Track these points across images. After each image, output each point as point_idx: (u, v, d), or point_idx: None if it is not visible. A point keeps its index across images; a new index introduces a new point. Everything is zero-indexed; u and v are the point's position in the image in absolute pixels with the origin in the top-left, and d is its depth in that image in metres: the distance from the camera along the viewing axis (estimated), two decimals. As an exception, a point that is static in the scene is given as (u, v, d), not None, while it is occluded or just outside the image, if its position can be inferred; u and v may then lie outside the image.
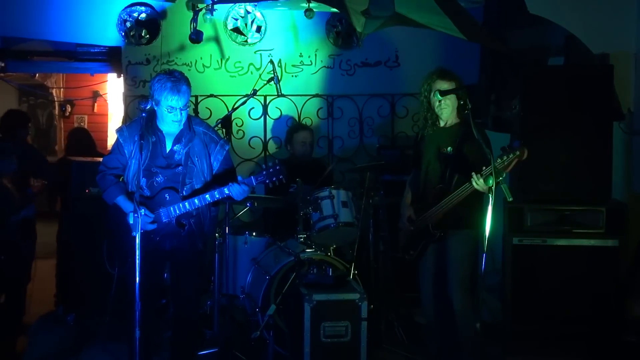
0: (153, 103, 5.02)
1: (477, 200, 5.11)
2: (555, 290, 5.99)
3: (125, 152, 5.12)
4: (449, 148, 5.35)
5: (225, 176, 5.23)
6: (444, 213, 5.29)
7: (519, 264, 6.03)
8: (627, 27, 6.49)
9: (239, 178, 5.05)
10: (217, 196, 5.05)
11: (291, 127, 7.72)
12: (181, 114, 5.02)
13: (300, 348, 5.53)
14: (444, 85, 5.33)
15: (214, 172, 5.22)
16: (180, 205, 5.04)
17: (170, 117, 5.02)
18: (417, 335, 6.45)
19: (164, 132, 5.12)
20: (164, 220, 5.06)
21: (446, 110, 5.37)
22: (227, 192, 5.03)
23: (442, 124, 5.47)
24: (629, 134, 6.47)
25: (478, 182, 4.94)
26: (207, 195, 5.04)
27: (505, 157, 4.86)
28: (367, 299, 5.59)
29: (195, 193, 5.09)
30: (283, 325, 6.10)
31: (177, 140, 5.13)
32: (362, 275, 6.28)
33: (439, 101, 5.33)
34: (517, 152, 4.85)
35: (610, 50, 6.48)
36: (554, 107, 5.99)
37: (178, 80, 4.98)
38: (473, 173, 4.96)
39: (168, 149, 5.12)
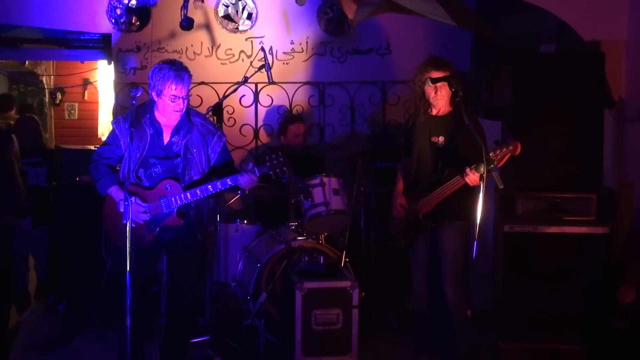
0: (154, 93, 5.00)
1: (469, 190, 5.10)
2: (547, 277, 6.01)
3: (121, 143, 5.10)
4: (441, 137, 5.35)
5: (224, 167, 5.23)
6: (436, 203, 5.29)
7: (510, 251, 6.04)
8: (618, 14, 6.49)
9: (249, 166, 5.07)
10: (230, 183, 5.04)
11: (285, 118, 7.69)
12: (183, 103, 5.01)
13: (292, 336, 5.54)
14: (439, 75, 5.32)
15: (212, 163, 5.22)
16: (182, 195, 5.02)
17: (173, 106, 4.99)
18: (408, 323, 6.46)
19: (161, 123, 5.10)
20: (165, 211, 5.05)
21: (442, 100, 5.37)
22: (238, 179, 5.03)
23: (434, 112, 5.47)
24: (620, 122, 6.47)
25: (470, 177, 4.96)
26: (210, 186, 5.03)
27: (498, 151, 4.88)
28: (358, 286, 5.59)
29: (194, 184, 5.08)
30: (274, 313, 6.11)
31: (176, 131, 5.11)
32: (353, 263, 6.28)
33: (435, 92, 5.34)
34: (510, 147, 4.88)
35: (601, 37, 6.47)
36: (546, 94, 5.99)
37: (180, 68, 4.97)
38: (467, 169, 4.97)
39: (166, 141, 5.11)
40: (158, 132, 5.10)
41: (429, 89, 5.36)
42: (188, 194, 5.02)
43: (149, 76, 5.05)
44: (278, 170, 5.07)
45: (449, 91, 5.33)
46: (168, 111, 5.03)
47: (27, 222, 6.81)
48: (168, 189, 5.04)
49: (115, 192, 5.07)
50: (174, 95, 4.95)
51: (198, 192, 5.03)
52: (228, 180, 5.04)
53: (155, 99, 5.04)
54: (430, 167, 5.39)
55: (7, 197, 6.48)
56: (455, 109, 5.35)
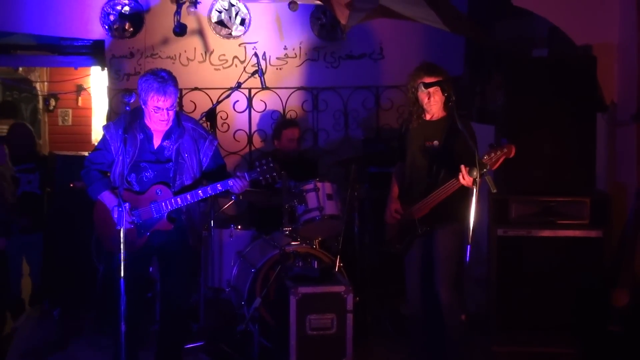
0: (141, 101, 5.02)
1: (463, 193, 5.10)
2: (540, 281, 6.02)
3: (112, 148, 5.11)
4: (435, 142, 5.36)
5: (216, 172, 5.23)
6: (431, 207, 5.30)
7: (504, 255, 6.05)
8: (610, 19, 6.50)
9: (237, 172, 5.07)
10: (220, 188, 5.05)
11: (279, 123, 7.70)
12: (168, 114, 5.01)
13: (286, 341, 5.54)
14: (431, 80, 5.33)
15: (203, 168, 5.22)
16: (172, 200, 5.03)
17: (157, 116, 5.00)
18: (403, 327, 6.46)
19: (152, 128, 5.11)
20: (155, 216, 5.05)
21: (435, 106, 5.38)
22: (228, 184, 5.04)
23: (428, 117, 5.48)
24: (612, 125, 6.50)
25: (465, 178, 4.97)
26: (200, 191, 5.04)
27: (492, 154, 4.88)
28: (352, 291, 5.60)
29: (185, 189, 5.09)
30: (269, 318, 6.11)
31: (167, 136, 5.12)
32: (347, 268, 6.28)
33: (428, 97, 5.34)
34: (505, 149, 4.88)
35: (593, 41, 6.50)
36: (538, 98, 6.01)
37: (165, 81, 4.94)
38: (462, 167, 4.97)
39: (157, 145, 5.12)
40: (148, 136, 5.10)
41: (422, 94, 5.36)
42: (178, 199, 5.03)
43: (137, 84, 5.07)
44: (268, 176, 5.07)
45: (442, 96, 5.34)
46: (154, 120, 5.05)
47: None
48: (158, 194, 5.04)
49: (106, 197, 5.07)
50: (156, 106, 4.96)
51: (189, 197, 5.04)
52: (218, 185, 5.04)
53: (143, 107, 5.06)
54: (425, 171, 5.39)
55: None
56: (449, 114, 5.36)
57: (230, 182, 5.04)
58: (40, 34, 8.07)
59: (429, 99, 5.35)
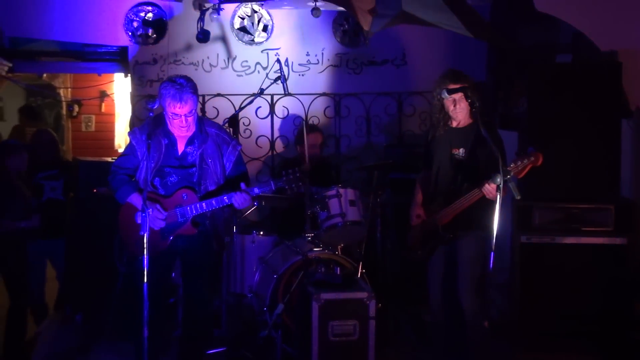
0: (162, 107, 5.05)
1: (487, 201, 5.08)
2: (564, 288, 5.98)
3: (138, 154, 5.15)
4: (461, 149, 5.35)
5: (238, 179, 5.24)
6: (454, 215, 5.28)
7: (527, 262, 6.02)
8: (635, 24, 6.47)
9: (242, 185, 5.07)
10: (226, 201, 5.06)
11: (302, 128, 7.71)
12: (186, 120, 5.03)
13: (309, 347, 5.53)
14: (455, 87, 5.32)
15: (227, 173, 5.23)
16: (197, 205, 5.06)
17: (176, 122, 5.03)
18: (425, 334, 6.45)
19: (175, 134, 5.13)
20: (180, 220, 5.07)
21: (461, 113, 5.37)
22: (226, 201, 5.06)
23: (454, 124, 5.46)
24: (637, 131, 6.45)
25: (489, 192, 4.95)
26: (225, 197, 5.07)
27: (519, 163, 4.86)
28: (375, 297, 5.59)
29: (210, 194, 5.11)
30: (291, 324, 6.11)
31: (190, 142, 5.15)
32: (370, 274, 6.27)
33: (454, 105, 5.33)
34: (532, 158, 4.85)
35: (618, 47, 6.45)
36: (562, 104, 5.98)
37: (182, 87, 4.96)
38: (486, 183, 4.96)
39: (181, 151, 5.14)
40: (172, 142, 5.14)
41: (448, 102, 5.35)
42: (204, 204, 5.05)
43: (158, 90, 5.10)
44: (294, 185, 5.10)
45: (467, 103, 5.32)
46: (174, 126, 5.07)
47: (35, 220, 6.67)
48: (184, 199, 5.07)
49: (136, 199, 5.10)
50: (173, 113, 4.99)
51: (214, 202, 5.06)
52: (225, 198, 5.07)
53: (164, 113, 5.08)
54: (450, 179, 5.38)
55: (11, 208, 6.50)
56: (475, 121, 5.34)
57: (238, 195, 5.04)
58: (65, 40, 8.13)
59: (454, 106, 5.34)
